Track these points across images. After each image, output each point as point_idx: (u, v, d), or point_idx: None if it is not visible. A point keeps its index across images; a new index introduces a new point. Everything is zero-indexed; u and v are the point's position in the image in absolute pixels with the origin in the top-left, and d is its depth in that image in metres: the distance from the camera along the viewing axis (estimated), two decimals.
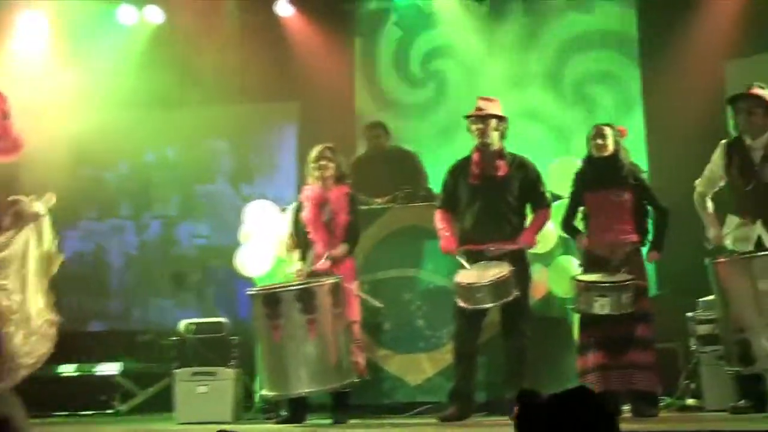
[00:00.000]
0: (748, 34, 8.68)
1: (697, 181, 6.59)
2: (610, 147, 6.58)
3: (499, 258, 6.50)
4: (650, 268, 7.10)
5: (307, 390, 6.39)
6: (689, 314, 7.08)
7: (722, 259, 6.06)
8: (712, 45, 8.75)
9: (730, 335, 6.00)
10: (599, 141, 6.58)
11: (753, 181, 6.19)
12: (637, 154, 7.68)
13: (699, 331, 6.96)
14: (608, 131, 6.62)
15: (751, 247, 6.15)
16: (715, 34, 8.77)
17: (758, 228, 6.14)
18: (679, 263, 7.71)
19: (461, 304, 6.43)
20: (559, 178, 7.33)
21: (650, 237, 6.61)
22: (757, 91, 6.25)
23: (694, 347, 6.99)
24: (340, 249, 6.79)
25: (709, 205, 6.54)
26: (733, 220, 6.31)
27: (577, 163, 6.89)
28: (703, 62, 8.76)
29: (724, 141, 6.44)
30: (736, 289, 5.90)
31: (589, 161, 6.67)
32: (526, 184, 6.75)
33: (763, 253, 5.96)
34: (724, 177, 6.40)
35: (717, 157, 6.43)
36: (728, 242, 6.34)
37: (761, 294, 5.75)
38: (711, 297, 6.86)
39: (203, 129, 10.30)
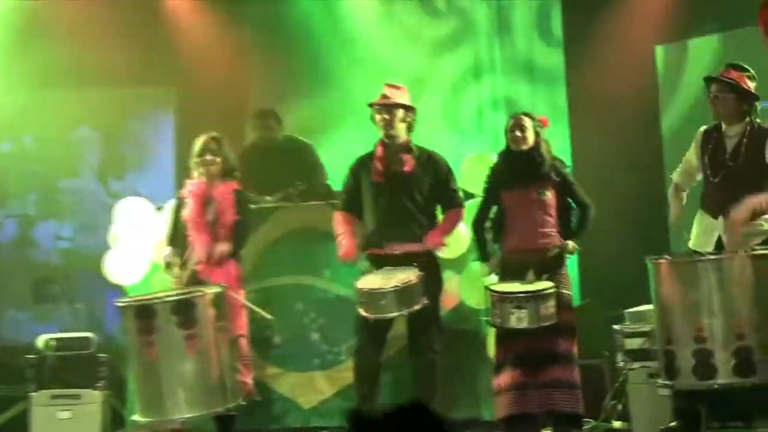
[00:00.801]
0: (679, 18, 8.82)
1: (674, 173, 6.62)
2: (530, 139, 6.58)
3: (406, 262, 6.47)
4: (574, 275, 7.14)
5: (185, 415, 6.28)
6: (616, 327, 7.13)
7: (662, 260, 6.06)
8: (642, 29, 8.87)
9: (660, 345, 6.04)
10: (517, 133, 6.58)
11: (721, 173, 6.24)
12: (560, 147, 7.70)
13: (627, 346, 7.01)
14: (527, 122, 6.61)
15: (710, 248, 6.18)
16: (645, 18, 8.88)
17: (720, 226, 6.18)
18: (605, 270, 7.79)
19: (363, 313, 6.39)
20: (473, 174, 7.31)
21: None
22: (729, 74, 6.30)
23: (621, 363, 7.03)
24: (221, 247, 6.68)
25: (683, 195, 6.54)
26: (699, 214, 6.36)
27: (493, 158, 6.89)
28: (633, 47, 8.87)
29: (703, 127, 6.47)
30: (669, 294, 5.93)
31: (507, 156, 6.67)
32: (436, 181, 6.74)
33: (700, 257, 5.98)
34: (699, 168, 6.42)
35: (693, 145, 6.46)
36: (690, 241, 6.37)
37: (690, 303, 5.80)
38: (640, 308, 6.94)
39: (67, 115, 10.06)
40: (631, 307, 7.05)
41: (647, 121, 8.79)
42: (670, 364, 5.89)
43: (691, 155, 6.45)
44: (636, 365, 6.88)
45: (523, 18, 9.71)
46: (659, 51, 9.04)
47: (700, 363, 5.72)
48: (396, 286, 6.27)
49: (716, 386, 5.74)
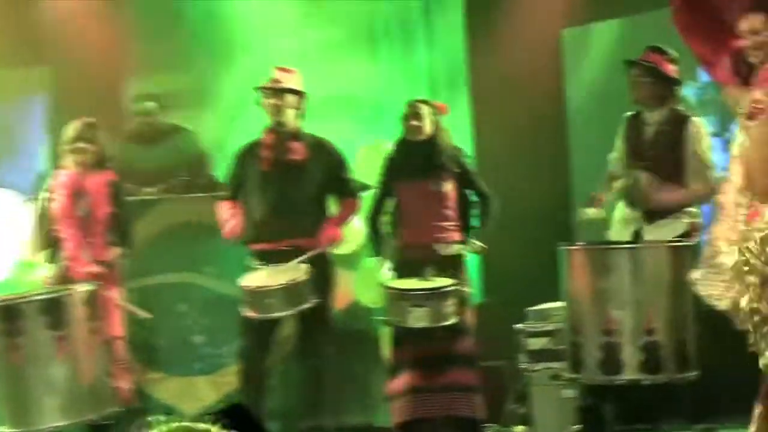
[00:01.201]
0: (584, 2, 8.89)
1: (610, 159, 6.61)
2: (427, 128, 6.58)
3: (295, 258, 6.44)
4: (475, 272, 7.14)
5: (56, 423, 6.14)
6: (518, 326, 7.14)
7: (574, 247, 6.06)
8: (547, 12, 8.92)
9: (568, 337, 6.05)
10: (413, 122, 6.58)
11: (641, 162, 6.27)
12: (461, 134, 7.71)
13: (529, 346, 7.02)
14: (425, 109, 6.60)
15: (626, 239, 6.21)
16: (550, 2, 8.95)
17: (638, 217, 6.22)
18: (508, 266, 7.80)
19: (248, 313, 6.33)
20: (367, 165, 7.30)
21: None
22: (649, 57, 6.32)
23: (523, 365, 7.04)
24: (113, 252, 6.62)
25: (615, 186, 6.54)
26: (619, 206, 6.38)
27: (391, 145, 6.86)
28: (538, 30, 8.92)
29: (626, 114, 6.49)
30: (580, 283, 5.94)
31: (402, 145, 6.66)
32: (329, 171, 6.71)
33: (610, 245, 5.99)
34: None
35: (619, 131, 6.48)
36: (612, 231, 6.40)
37: (599, 293, 5.82)
38: (544, 306, 6.96)
39: None
40: (535, 305, 7.07)
41: (552, 106, 8.83)
42: (576, 358, 5.91)
43: (618, 141, 6.47)
44: (539, 366, 6.87)
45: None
46: (565, 35, 9.10)
47: (607, 357, 5.75)
48: (284, 283, 6.21)
49: (622, 382, 5.76)
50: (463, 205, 6.63)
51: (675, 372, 5.77)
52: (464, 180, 6.61)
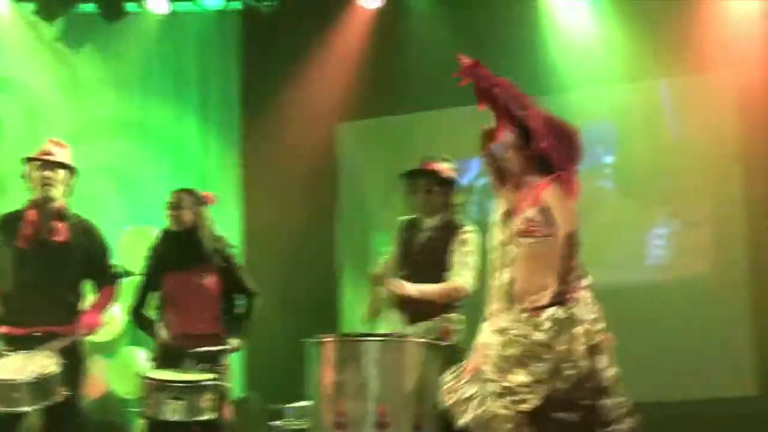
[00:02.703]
0: (359, 97, 9.05)
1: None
2: (186, 219, 6.50)
3: (48, 345, 6.21)
4: (237, 365, 7.07)
5: None
6: (276, 423, 7.09)
7: (316, 340, 5.97)
8: (323, 107, 9.04)
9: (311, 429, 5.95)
10: (173, 212, 6.50)
11: (407, 266, 6.29)
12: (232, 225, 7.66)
13: None
14: (185, 200, 6.53)
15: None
16: (326, 95, 9.07)
17: (400, 320, 6.23)
18: (270, 361, 7.76)
19: None
20: (131, 250, 7.16)
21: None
22: (436, 166, 6.38)
23: None
24: None
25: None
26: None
27: (156, 234, 6.75)
28: (314, 124, 9.02)
29: (404, 217, 6.48)
30: (319, 375, 5.82)
31: (166, 235, 6.57)
32: (91, 256, 6.53)
33: (353, 338, 5.94)
34: None
35: (396, 231, 6.48)
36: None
37: (337, 385, 5.73)
38: (301, 403, 6.93)
39: None
40: (294, 402, 7.03)
41: (324, 200, 8.92)
42: None
43: (395, 242, 6.48)
44: None
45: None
46: (341, 129, 9.24)
47: None
48: (32, 377, 5.96)
49: None
50: (227, 299, 6.55)
51: None
52: (228, 274, 6.55)
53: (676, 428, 7.38)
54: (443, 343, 5.90)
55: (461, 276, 6.18)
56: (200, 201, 6.56)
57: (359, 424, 5.62)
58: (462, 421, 4.95)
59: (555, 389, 4.79)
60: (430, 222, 6.35)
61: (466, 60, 4.98)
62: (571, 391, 4.82)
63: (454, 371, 5.13)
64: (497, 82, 4.95)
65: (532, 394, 4.78)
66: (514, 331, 4.87)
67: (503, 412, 4.82)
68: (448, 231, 6.29)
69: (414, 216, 6.44)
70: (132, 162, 9.68)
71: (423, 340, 5.83)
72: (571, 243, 4.82)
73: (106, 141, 9.63)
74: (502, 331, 4.91)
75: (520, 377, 4.83)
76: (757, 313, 7.95)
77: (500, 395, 4.85)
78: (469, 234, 6.29)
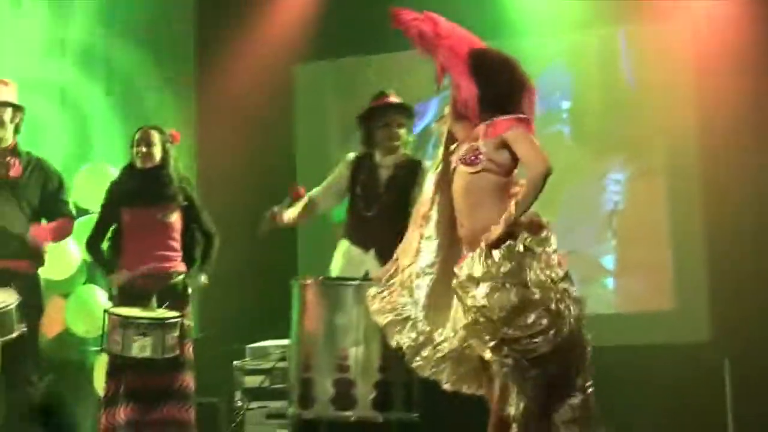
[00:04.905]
0: (316, 38, 9.06)
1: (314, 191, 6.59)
2: (157, 156, 6.51)
3: (2, 281, 6.23)
4: (193, 305, 7.10)
5: None
6: (236, 363, 7.15)
7: (310, 280, 6.06)
8: (279, 48, 9.05)
9: (296, 373, 6.03)
10: (143, 149, 6.49)
11: (375, 206, 6.35)
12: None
13: (246, 384, 7.05)
14: (156, 137, 6.53)
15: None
16: (282, 36, 9.07)
17: (370, 259, 6.29)
18: (226, 301, 7.80)
19: None
20: (87, 189, 7.14)
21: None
22: (399, 99, 6.41)
23: (239, 403, 7.06)
24: None
25: (311, 210, 6.52)
26: (344, 246, 6.42)
27: (113, 172, 6.75)
28: (270, 65, 9.03)
29: (351, 155, 6.52)
30: (314, 318, 5.93)
31: (131, 172, 6.56)
32: (45, 191, 6.54)
33: (351, 282, 6.03)
34: (346, 194, 6.47)
35: (343, 168, 6.48)
36: (336, 267, 6.42)
37: (336, 329, 5.85)
38: (262, 344, 7.00)
39: None
40: (253, 342, 7.09)
41: (281, 141, 8.95)
42: (305, 393, 5.88)
43: (342, 177, 6.50)
44: (254, 405, 6.93)
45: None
46: (296, 71, 9.26)
47: (339, 393, 5.78)
48: None
49: (352, 418, 5.80)
50: (190, 237, 6.58)
51: (403, 411, 5.84)
52: (190, 213, 6.57)
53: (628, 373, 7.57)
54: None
55: None
56: (168, 139, 6.58)
57: (360, 368, 5.73)
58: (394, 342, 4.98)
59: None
60: (388, 160, 6.41)
61: (395, 9, 4.98)
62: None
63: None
64: (424, 29, 4.91)
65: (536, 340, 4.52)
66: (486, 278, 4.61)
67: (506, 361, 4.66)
68: (410, 168, 6.36)
69: (363, 153, 6.50)
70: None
71: None
72: (544, 182, 4.58)
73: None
74: (471, 279, 4.80)
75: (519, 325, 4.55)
76: (711, 263, 8.10)
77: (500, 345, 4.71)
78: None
